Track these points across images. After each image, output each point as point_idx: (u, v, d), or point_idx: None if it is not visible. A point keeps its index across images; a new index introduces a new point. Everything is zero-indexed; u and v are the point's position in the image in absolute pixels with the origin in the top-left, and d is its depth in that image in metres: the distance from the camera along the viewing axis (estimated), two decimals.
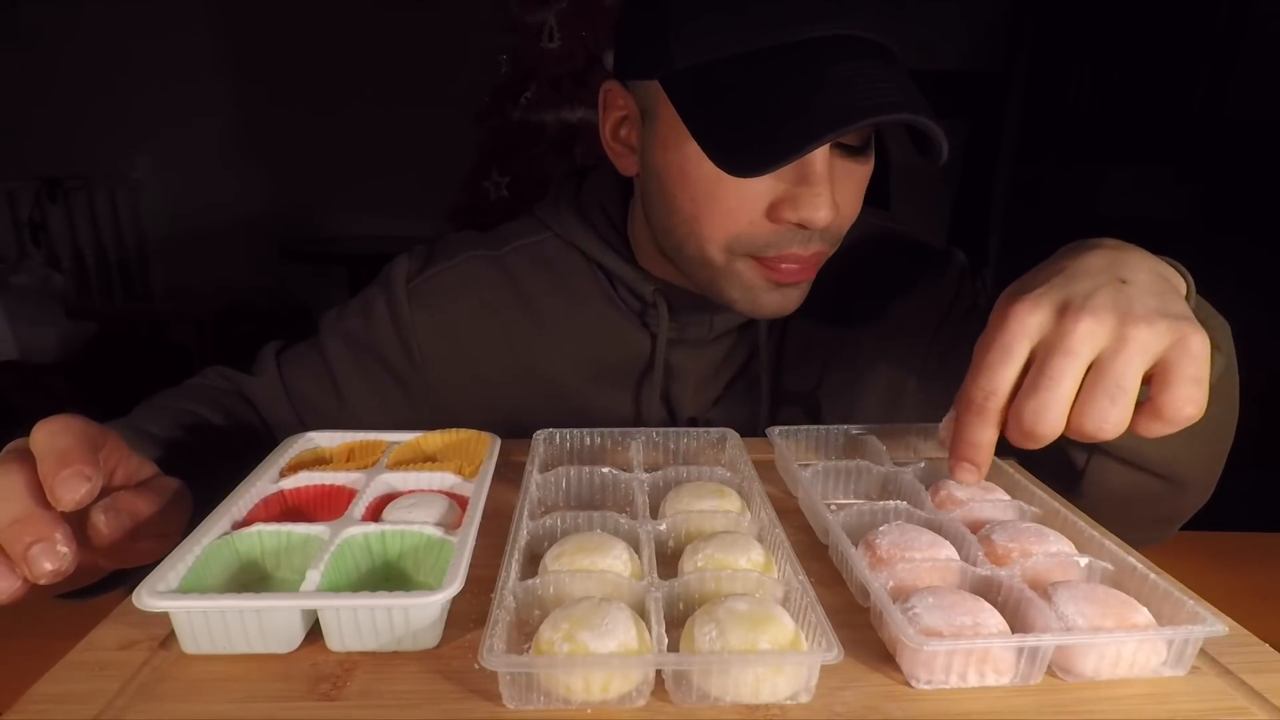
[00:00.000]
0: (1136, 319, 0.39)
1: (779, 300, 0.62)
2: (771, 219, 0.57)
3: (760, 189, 0.56)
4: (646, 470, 0.50)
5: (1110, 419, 0.39)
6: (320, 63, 3.08)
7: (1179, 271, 0.48)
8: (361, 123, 3.16)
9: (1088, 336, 0.39)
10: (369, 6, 3.05)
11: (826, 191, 0.54)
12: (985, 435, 0.43)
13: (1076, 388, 0.40)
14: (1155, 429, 0.41)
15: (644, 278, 0.69)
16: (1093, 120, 2.94)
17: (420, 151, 3.19)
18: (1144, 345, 0.39)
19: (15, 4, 2.95)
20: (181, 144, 3.23)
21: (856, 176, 0.59)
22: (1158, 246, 0.48)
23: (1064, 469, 0.58)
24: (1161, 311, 0.40)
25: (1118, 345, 0.39)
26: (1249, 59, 2.65)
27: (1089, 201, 3.03)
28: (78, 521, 0.38)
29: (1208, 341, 0.40)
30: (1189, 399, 0.39)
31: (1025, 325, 0.41)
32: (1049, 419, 0.40)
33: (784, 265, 0.59)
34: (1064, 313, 0.40)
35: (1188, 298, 0.47)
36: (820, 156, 0.54)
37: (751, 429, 0.68)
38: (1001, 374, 0.42)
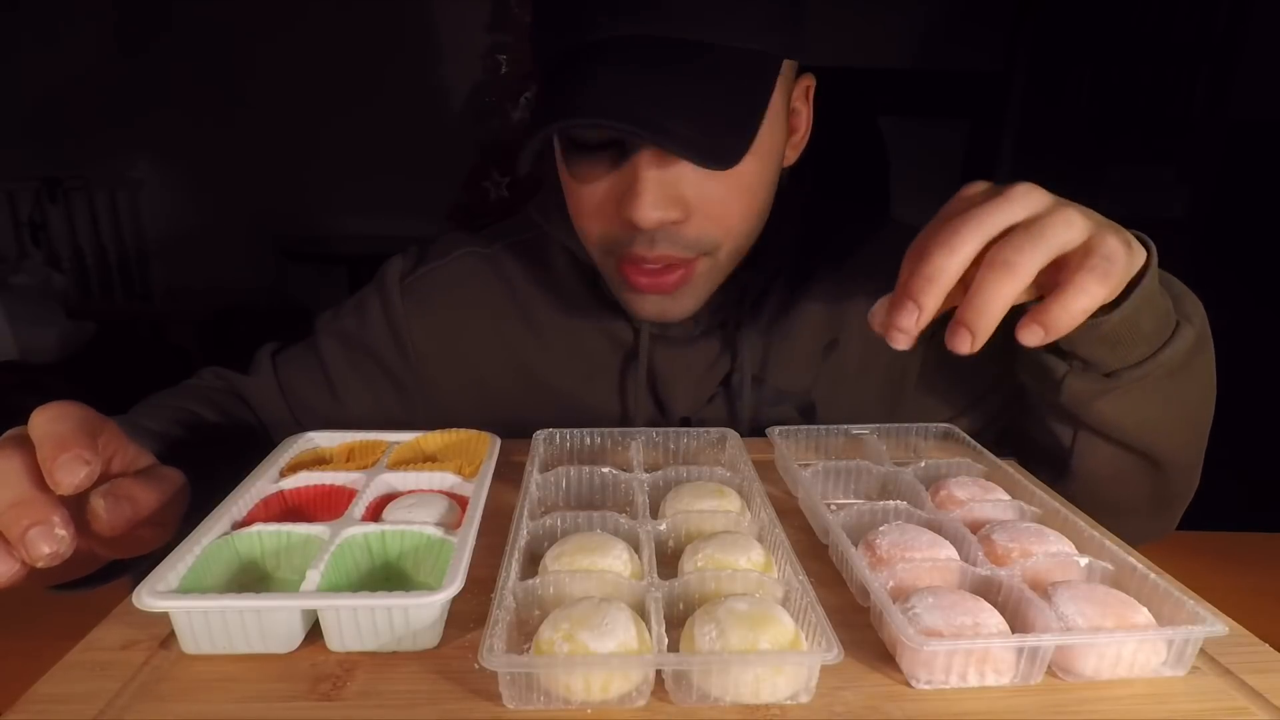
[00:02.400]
0: (1057, 211, 0.42)
1: (654, 308, 0.63)
2: (619, 216, 0.58)
3: (604, 186, 0.57)
4: (646, 470, 0.50)
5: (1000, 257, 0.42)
6: (320, 62, 3.08)
7: (1143, 242, 0.49)
8: (361, 122, 3.15)
9: (998, 211, 0.43)
10: (369, 6, 3.05)
11: (647, 192, 0.54)
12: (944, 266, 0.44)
13: (993, 234, 0.43)
14: (1054, 316, 0.43)
15: None
16: (1093, 120, 2.94)
17: (420, 151, 3.19)
18: (1047, 236, 0.42)
19: (16, 4, 2.95)
20: (181, 144, 3.22)
21: (717, 179, 0.56)
22: (1157, 247, 0.49)
23: (1054, 451, 0.60)
24: (1086, 215, 0.43)
25: (1028, 224, 0.42)
26: (1249, 60, 2.65)
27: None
28: (76, 507, 0.38)
29: (1131, 250, 0.42)
30: (1082, 287, 0.42)
31: (963, 202, 0.45)
32: (962, 236, 0.43)
33: (635, 272, 0.59)
34: (997, 195, 0.44)
35: (1147, 266, 0.48)
36: (644, 155, 0.54)
37: (750, 428, 0.68)
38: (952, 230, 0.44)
